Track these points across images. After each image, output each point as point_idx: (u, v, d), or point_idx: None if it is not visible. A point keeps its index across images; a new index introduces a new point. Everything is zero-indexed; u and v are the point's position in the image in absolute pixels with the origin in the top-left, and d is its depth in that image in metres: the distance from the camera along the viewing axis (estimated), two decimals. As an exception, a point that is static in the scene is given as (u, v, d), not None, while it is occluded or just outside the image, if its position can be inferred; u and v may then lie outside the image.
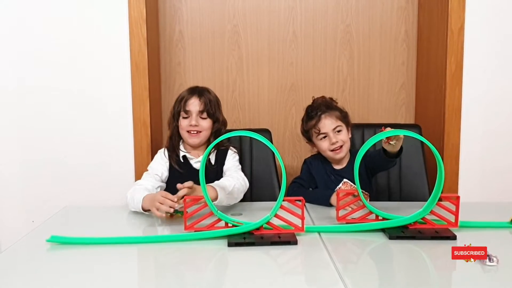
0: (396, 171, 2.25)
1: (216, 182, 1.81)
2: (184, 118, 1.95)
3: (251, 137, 2.08)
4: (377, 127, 2.14)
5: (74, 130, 2.30)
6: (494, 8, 2.29)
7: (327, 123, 1.95)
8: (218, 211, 1.52)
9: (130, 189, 1.83)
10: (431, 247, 1.42)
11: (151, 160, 2.28)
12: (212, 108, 1.94)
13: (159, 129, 2.53)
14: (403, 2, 2.58)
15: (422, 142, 2.25)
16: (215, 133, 1.97)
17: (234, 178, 1.86)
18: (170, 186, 1.88)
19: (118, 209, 1.84)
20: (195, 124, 1.91)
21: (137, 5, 2.23)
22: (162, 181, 1.96)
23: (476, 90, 2.33)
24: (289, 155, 2.66)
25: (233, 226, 1.51)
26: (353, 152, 2.00)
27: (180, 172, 1.94)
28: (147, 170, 1.99)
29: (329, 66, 2.61)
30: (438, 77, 2.37)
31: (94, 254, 1.40)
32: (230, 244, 1.43)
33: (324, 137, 1.96)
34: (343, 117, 2.00)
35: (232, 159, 2.00)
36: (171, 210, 1.59)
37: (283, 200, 1.49)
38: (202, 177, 1.49)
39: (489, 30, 2.30)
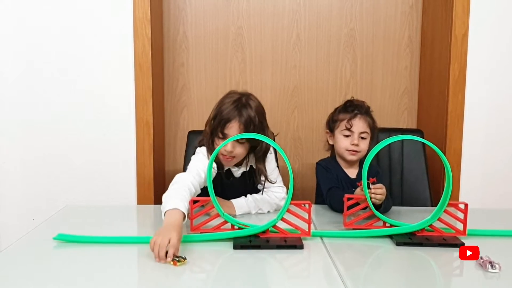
0: (398, 175, 2.26)
1: (240, 202, 1.80)
2: (220, 138, 1.75)
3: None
4: (379, 132, 2.15)
5: (76, 129, 2.30)
6: (498, 15, 2.30)
7: (359, 124, 1.95)
8: (225, 213, 1.52)
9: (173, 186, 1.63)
10: (438, 254, 1.42)
11: (153, 161, 2.31)
12: (253, 130, 1.72)
13: (162, 130, 2.52)
14: (407, 7, 2.59)
15: (424, 147, 2.26)
16: (255, 153, 1.83)
17: (260, 204, 1.82)
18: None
19: (119, 208, 1.83)
20: (231, 149, 1.71)
21: (141, 6, 2.23)
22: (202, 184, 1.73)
23: (479, 96, 2.34)
24: (291, 157, 2.65)
25: (240, 228, 1.51)
26: (362, 161, 1.99)
27: (222, 180, 1.82)
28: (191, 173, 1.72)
29: (332, 70, 2.62)
30: (441, 82, 2.38)
31: (100, 253, 1.40)
32: (235, 247, 1.42)
33: (348, 135, 1.96)
34: (373, 128, 1.99)
35: (270, 161, 1.88)
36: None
37: (290, 204, 1.48)
38: (209, 182, 1.49)
39: (493, 37, 2.31)
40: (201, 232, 1.51)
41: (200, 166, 1.72)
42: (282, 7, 2.57)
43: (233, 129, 1.72)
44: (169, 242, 1.31)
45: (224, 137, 1.73)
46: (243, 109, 1.73)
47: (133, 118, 2.29)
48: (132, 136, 2.30)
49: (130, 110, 2.29)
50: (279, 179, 1.91)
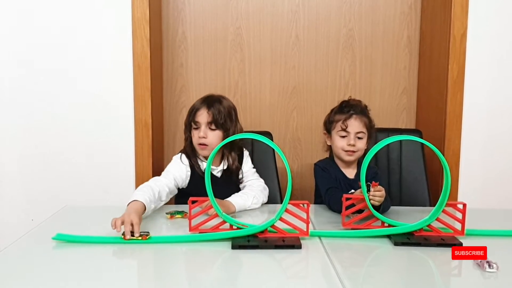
0: (397, 175, 2.26)
1: (236, 199, 1.84)
2: (194, 129, 1.94)
3: (252, 139, 2.08)
4: (378, 132, 2.15)
5: (75, 130, 2.30)
6: (497, 15, 2.31)
7: (355, 124, 1.95)
8: (223, 213, 1.52)
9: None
10: (436, 254, 1.42)
11: (152, 161, 2.31)
12: (221, 118, 1.91)
13: (160, 130, 2.52)
14: (406, 7, 2.59)
15: (422, 147, 2.26)
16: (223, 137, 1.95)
17: (252, 193, 1.91)
18: (193, 192, 1.83)
19: (118, 209, 1.82)
20: (203, 135, 1.90)
21: (140, 6, 2.23)
22: (177, 186, 1.93)
23: (478, 97, 2.34)
24: (290, 158, 2.66)
25: (238, 228, 1.51)
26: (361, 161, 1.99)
27: (202, 179, 1.89)
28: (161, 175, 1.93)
29: (331, 70, 2.62)
30: (440, 82, 2.38)
31: (99, 253, 1.40)
32: (234, 247, 1.42)
33: (345, 135, 1.96)
34: (369, 127, 1.99)
35: (248, 162, 2.05)
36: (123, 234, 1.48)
37: (288, 204, 1.48)
38: (208, 183, 1.49)
39: (492, 37, 2.32)
40: (199, 232, 1.51)
41: (171, 170, 1.93)
42: (281, 7, 2.57)
43: (203, 116, 1.92)
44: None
45: (197, 125, 1.93)
46: (212, 102, 1.94)
47: (132, 118, 2.29)
48: (131, 136, 2.30)
49: (129, 111, 2.29)
50: (256, 175, 2.06)
